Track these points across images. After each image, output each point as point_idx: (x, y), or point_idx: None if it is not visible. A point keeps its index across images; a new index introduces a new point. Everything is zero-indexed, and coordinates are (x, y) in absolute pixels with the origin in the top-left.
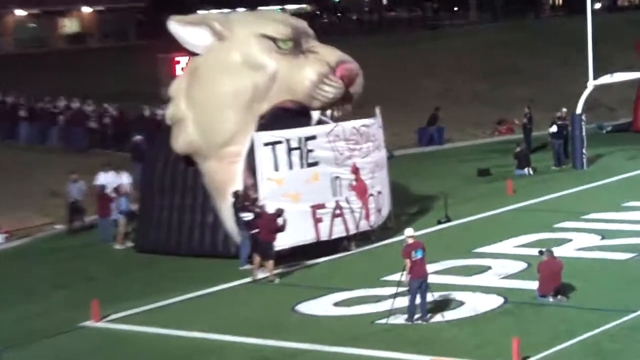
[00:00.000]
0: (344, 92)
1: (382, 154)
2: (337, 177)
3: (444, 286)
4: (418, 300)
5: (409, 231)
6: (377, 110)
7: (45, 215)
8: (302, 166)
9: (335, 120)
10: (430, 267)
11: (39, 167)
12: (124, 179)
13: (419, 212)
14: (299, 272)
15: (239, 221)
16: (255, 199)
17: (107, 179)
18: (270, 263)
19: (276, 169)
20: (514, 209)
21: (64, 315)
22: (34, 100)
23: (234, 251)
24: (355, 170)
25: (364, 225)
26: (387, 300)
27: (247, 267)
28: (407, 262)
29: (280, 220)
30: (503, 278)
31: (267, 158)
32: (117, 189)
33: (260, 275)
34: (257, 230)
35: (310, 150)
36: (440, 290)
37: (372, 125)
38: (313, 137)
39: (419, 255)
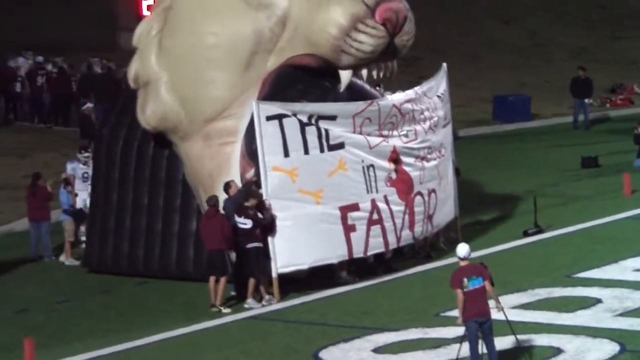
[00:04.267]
0: (387, 43)
1: (443, 134)
2: (370, 166)
3: (532, 326)
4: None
5: (461, 250)
6: (444, 67)
7: None
8: (322, 149)
9: (374, 84)
10: (514, 299)
11: None
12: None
13: (496, 220)
14: (320, 303)
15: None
16: (259, 197)
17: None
18: (223, 282)
19: (286, 154)
20: (633, 215)
21: None
22: None
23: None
24: (396, 158)
25: (406, 238)
26: (451, 345)
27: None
28: (458, 293)
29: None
30: (619, 315)
31: (273, 138)
32: (67, 180)
33: (256, 304)
34: (255, 244)
35: (329, 129)
36: (527, 332)
37: (423, 98)
38: (331, 118)
39: (474, 284)
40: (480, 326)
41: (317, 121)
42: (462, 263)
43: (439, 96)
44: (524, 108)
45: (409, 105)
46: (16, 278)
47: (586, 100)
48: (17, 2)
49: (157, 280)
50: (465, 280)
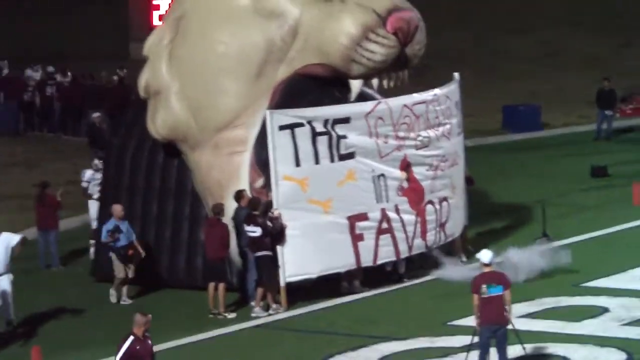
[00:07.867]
0: (399, 52)
1: (454, 143)
2: (381, 176)
3: (539, 335)
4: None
5: (485, 255)
6: (456, 77)
7: None
8: (332, 159)
9: (385, 94)
10: (520, 308)
11: None
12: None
13: (505, 229)
14: (327, 312)
15: (242, 237)
16: (268, 206)
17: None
18: (221, 288)
19: (297, 163)
20: None
21: None
22: None
23: (235, 281)
24: (407, 167)
25: (418, 246)
26: (458, 355)
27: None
28: (475, 298)
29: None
30: (626, 325)
31: (285, 148)
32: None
33: (263, 313)
34: (264, 253)
35: (343, 137)
36: (534, 341)
37: (439, 101)
38: (345, 120)
39: (492, 291)
40: (493, 333)
41: (332, 126)
42: (485, 269)
43: (455, 102)
44: (533, 118)
45: (422, 107)
46: (24, 287)
47: (606, 112)
48: (26, 12)
49: (165, 289)
50: (484, 286)
